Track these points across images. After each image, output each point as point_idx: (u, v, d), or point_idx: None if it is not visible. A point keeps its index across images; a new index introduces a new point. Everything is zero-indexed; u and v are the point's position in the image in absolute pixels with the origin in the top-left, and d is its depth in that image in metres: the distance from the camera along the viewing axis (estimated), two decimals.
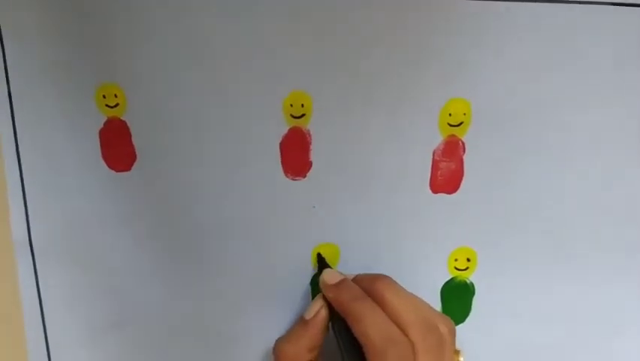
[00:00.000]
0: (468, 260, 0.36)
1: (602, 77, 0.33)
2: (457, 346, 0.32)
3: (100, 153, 0.34)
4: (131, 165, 0.34)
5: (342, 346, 0.32)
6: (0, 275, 0.35)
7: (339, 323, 0.32)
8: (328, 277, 0.33)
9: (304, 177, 0.34)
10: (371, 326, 0.30)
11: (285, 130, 0.34)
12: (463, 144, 0.34)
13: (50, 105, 0.33)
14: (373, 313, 0.30)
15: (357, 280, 0.33)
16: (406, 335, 0.30)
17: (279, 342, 0.34)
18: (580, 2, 0.32)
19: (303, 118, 0.33)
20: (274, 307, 0.37)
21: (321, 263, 0.35)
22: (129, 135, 0.33)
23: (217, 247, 0.35)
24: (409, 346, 0.29)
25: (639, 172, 0.35)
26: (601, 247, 0.36)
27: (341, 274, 0.33)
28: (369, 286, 0.32)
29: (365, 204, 0.35)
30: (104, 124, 0.33)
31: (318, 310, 0.33)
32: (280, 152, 0.34)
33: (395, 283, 0.33)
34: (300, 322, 0.34)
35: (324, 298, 0.33)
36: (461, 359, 0.33)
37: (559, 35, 0.32)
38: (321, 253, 0.36)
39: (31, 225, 0.34)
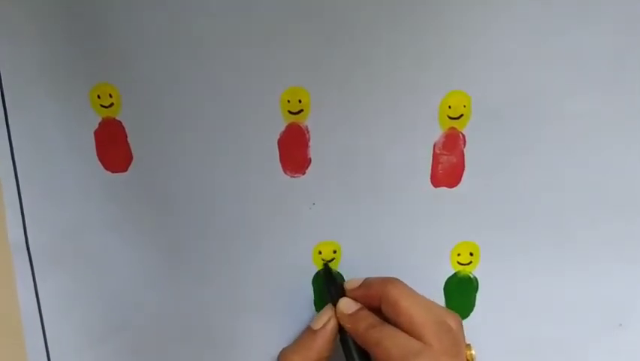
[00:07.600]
0: (471, 255, 0.36)
1: (602, 67, 0.33)
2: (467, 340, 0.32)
3: (96, 154, 0.33)
4: (128, 166, 0.34)
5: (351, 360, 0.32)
6: None
7: (348, 335, 0.32)
8: (345, 306, 0.33)
9: (303, 173, 0.34)
10: (391, 346, 0.29)
11: (282, 127, 0.33)
12: (463, 136, 0.34)
13: (44, 106, 0.32)
14: (391, 336, 0.30)
15: (367, 284, 0.33)
16: (422, 339, 0.29)
17: (285, 352, 0.33)
18: None
19: (300, 114, 0.33)
20: (275, 308, 0.36)
21: (328, 275, 0.35)
22: (125, 136, 0.33)
23: (216, 247, 0.35)
24: (432, 354, 0.29)
25: None
26: (605, 239, 0.36)
27: (357, 303, 0.33)
28: (381, 290, 0.32)
29: (365, 199, 0.35)
30: (99, 124, 0.33)
31: (326, 320, 0.33)
32: (278, 149, 0.34)
33: (406, 285, 0.32)
34: (308, 332, 0.33)
35: (333, 308, 0.33)
36: (472, 352, 0.33)
37: (559, 25, 0.32)
38: (322, 250, 0.35)
39: (27, 228, 0.34)
